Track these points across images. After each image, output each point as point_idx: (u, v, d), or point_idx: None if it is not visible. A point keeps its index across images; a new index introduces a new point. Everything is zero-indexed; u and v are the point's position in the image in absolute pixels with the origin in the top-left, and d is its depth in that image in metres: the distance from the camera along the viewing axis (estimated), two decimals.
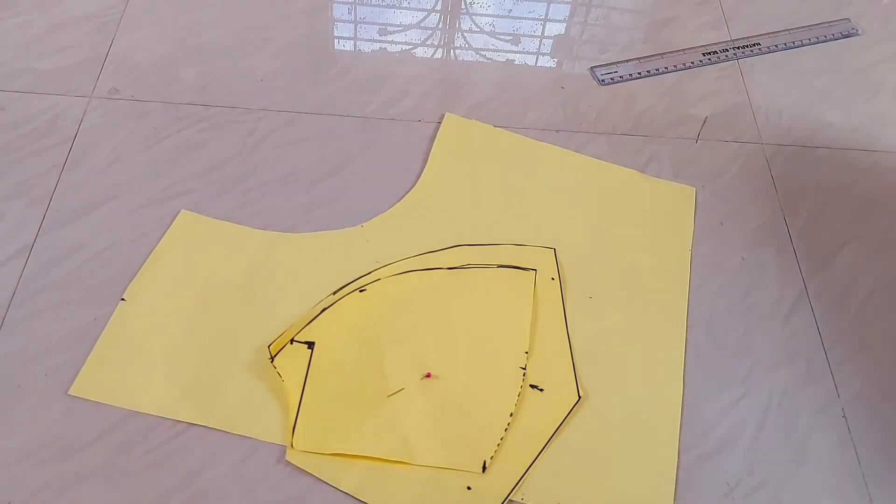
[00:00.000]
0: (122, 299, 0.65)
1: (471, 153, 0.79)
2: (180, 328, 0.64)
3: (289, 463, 0.57)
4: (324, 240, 0.70)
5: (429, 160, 0.77)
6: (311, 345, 0.62)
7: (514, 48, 0.90)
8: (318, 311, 0.64)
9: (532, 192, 0.76)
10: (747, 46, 0.92)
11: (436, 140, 0.79)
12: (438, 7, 0.94)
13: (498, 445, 0.59)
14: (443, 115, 0.81)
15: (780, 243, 0.74)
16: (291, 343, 0.62)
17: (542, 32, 0.92)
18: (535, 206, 0.75)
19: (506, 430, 0.60)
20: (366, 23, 0.91)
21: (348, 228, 0.71)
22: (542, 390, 0.62)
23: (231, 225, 0.71)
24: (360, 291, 0.66)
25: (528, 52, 0.90)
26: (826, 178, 0.79)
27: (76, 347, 0.62)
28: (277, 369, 0.61)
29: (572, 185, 0.77)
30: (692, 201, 0.76)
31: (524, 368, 0.63)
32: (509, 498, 0.57)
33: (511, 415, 0.60)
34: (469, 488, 0.57)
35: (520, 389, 0.62)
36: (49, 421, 0.58)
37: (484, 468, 0.58)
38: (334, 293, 0.66)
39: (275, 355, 0.62)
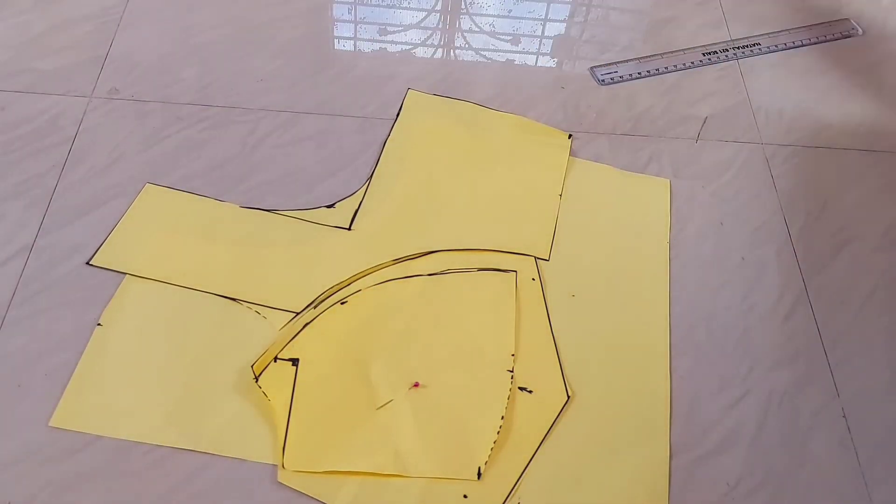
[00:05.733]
0: (99, 324, 0.63)
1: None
2: (160, 352, 0.62)
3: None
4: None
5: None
6: (295, 361, 0.61)
7: (514, 48, 0.90)
8: (300, 327, 0.63)
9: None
10: (747, 46, 0.92)
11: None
12: (438, 7, 0.94)
13: (491, 450, 0.59)
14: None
15: (780, 243, 0.74)
16: (275, 361, 0.61)
17: (542, 32, 0.92)
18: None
19: (498, 434, 0.59)
20: (366, 23, 0.91)
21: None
22: (531, 392, 0.62)
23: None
24: (342, 304, 0.65)
25: (528, 52, 0.90)
26: (826, 178, 0.79)
27: (76, 347, 0.62)
28: (262, 389, 0.60)
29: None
30: (667, 193, 0.76)
31: (512, 371, 0.63)
32: (506, 503, 0.57)
33: (502, 418, 0.60)
34: (465, 496, 0.57)
35: (509, 392, 0.62)
36: (49, 421, 0.58)
37: (479, 475, 0.58)
38: (315, 306, 0.65)
39: (259, 375, 0.60)
